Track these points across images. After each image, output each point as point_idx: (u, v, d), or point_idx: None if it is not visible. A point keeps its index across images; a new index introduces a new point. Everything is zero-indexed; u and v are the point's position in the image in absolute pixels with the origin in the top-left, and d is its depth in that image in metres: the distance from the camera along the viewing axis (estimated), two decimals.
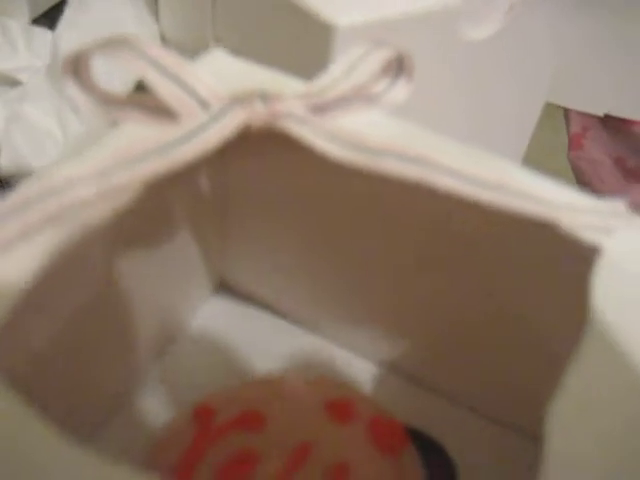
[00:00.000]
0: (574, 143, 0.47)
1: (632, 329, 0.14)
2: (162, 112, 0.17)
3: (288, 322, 0.24)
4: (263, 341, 0.23)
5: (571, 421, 0.12)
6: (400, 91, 0.18)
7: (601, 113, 0.44)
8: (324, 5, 0.23)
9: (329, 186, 0.19)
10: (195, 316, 0.24)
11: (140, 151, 0.15)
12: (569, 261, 0.16)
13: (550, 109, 0.51)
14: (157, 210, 0.19)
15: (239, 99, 0.17)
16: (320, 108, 0.17)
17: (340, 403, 0.20)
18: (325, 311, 0.23)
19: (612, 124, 0.46)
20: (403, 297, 0.21)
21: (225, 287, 0.24)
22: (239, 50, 0.20)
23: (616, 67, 0.39)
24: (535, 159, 0.39)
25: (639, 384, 0.13)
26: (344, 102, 0.17)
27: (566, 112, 0.48)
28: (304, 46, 0.23)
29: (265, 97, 0.17)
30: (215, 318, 0.24)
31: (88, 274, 0.17)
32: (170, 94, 0.17)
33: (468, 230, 0.17)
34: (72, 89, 0.16)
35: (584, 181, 0.46)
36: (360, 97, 0.18)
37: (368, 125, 0.17)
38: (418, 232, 0.19)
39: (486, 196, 0.16)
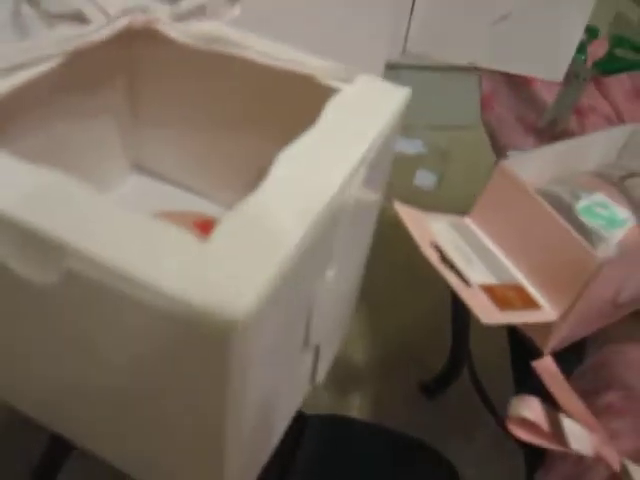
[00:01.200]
0: (485, 104, 0.54)
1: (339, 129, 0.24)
2: (80, 20, 0.27)
3: (183, 190, 0.34)
4: (159, 202, 0.33)
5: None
6: (234, 10, 0.29)
7: (465, 62, 0.49)
8: None
9: (193, 66, 0.29)
10: (114, 187, 0.34)
11: (60, 37, 0.26)
12: (322, 99, 0.26)
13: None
14: (82, 85, 0.29)
15: (127, 11, 0.27)
16: (180, 17, 0.28)
17: (204, 222, 0.30)
18: (203, 176, 0.33)
19: (515, 85, 0.53)
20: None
21: (139, 168, 0.35)
22: None
23: (479, 18, 0.45)
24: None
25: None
26: (196, 13, 0.28)
27: (480, 77, 0.54)
28: None
29: (144, 10, 0.27)
30: (130, 189, 0.34)
31: (31, 120, 0.27)
32: (87, 9, 0.27)
33: (272, 86, 0.28)
34: (25, 6, 0.27)
35: (493, 135, 0.53)
36: (207, 11, 0.28)
37: (211, 28, 0.28)
38: (241, 95, 0.29)
39: (277, 64, 0.27)
